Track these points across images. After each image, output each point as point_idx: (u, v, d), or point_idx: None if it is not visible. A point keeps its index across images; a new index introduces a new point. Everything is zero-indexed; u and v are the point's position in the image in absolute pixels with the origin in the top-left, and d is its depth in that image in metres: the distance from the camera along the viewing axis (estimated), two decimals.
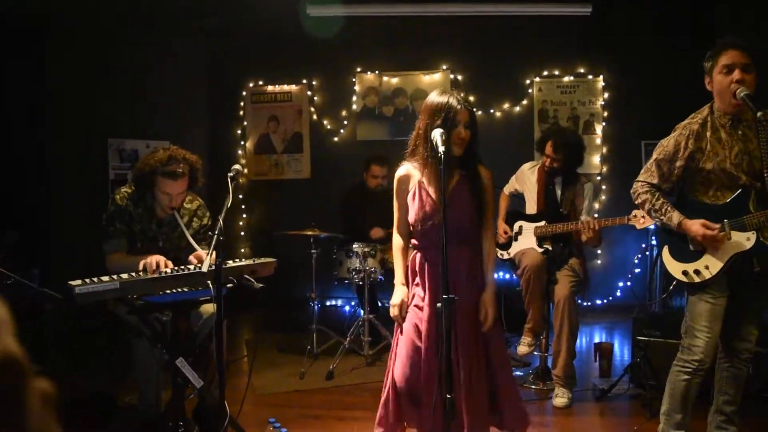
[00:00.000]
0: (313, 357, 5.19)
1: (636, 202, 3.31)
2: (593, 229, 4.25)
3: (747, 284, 3.08)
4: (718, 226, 2.97)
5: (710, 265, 3.03)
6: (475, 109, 2.92)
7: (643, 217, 3.92)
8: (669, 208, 3.12)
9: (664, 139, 3.20)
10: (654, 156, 3.21)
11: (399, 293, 2.97)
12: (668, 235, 3.21)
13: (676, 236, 3.16)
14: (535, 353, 4.73)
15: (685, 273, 3.10)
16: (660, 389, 3.36)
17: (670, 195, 3.23)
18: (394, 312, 2.96)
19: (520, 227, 4.69)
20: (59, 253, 5.52)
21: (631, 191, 3.31)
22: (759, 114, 2.80)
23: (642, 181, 3.24)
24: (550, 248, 4.48)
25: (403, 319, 2.94)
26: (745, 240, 2.96)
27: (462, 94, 2.90)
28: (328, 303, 7.44)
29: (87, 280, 2.84)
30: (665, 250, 3.24)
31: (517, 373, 4.91)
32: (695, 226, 3.01)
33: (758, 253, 2.96)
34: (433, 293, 2.86)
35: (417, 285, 2.97)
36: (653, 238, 5.56)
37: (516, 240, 4.70)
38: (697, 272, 3.06)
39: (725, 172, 3.00)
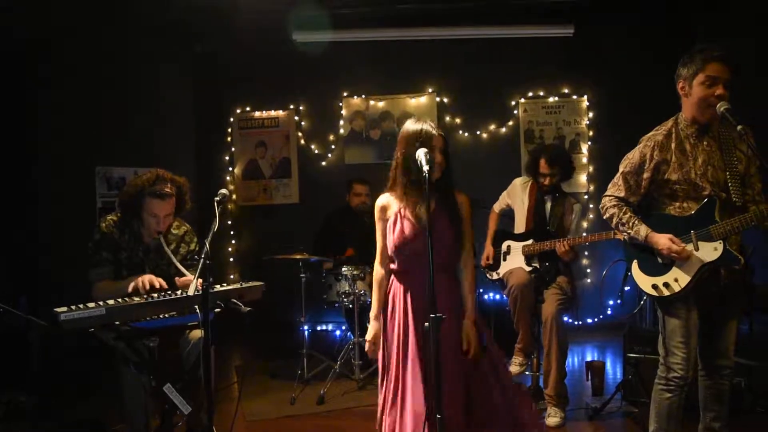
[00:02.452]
0: (303, 382, 5.14)
1: (604, 217, 3.31)
2: (572, 247, 4.32)
3: (718, 299, 3.07)
4: (684, 245, 2.99)
5: (679, 278, 3.03)
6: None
7: None
8: (636, 222, 3.13)
9: (629, 152, 3.22)
10: (621, 169, 3.23)
11: (372, 329, 3.05)
12: (637, 249, 3.20)
13: (644, 250, 3.15)
14: (527, 373, 4.71)
15: (654, 287, 3.10)
16: None
17: (638, 208, 3.23)
18: (368, 347, 3.06)
19: (508, 247, 4.69)
20: (47, 280, 5.47)
21: (600, 206, 3.33)
22: (739, 127, 2.83)
23: (610, 196, 3.26)
24: (538, 266, 4.49)
25: (376, 353, 3.02)
26: (712, 250, 2.97)
27: (433, 123, 2.98)
28: (318, 327, 7.40)
29: (73, 307, 2.82)
30: (634, 265, 3.23)
31: None
32: (662, 240, 3.02)
33: (726, 262, 2.97)
34: (412, 316, 2.91)
35: (392, 315, 3.01)
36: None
37: (504, 260, 4.70)
38: (666, 285, 3.06)
39: (690, 182, 3.02)
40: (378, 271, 3.10)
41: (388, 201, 3.04)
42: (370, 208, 3.15)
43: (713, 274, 3.01)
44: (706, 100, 2.96)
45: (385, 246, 3.06)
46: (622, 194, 3.20)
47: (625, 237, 3.24)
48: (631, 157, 3.18)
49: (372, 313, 3.09)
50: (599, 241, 4.27)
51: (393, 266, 3.05)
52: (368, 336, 3.05)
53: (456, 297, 2.98)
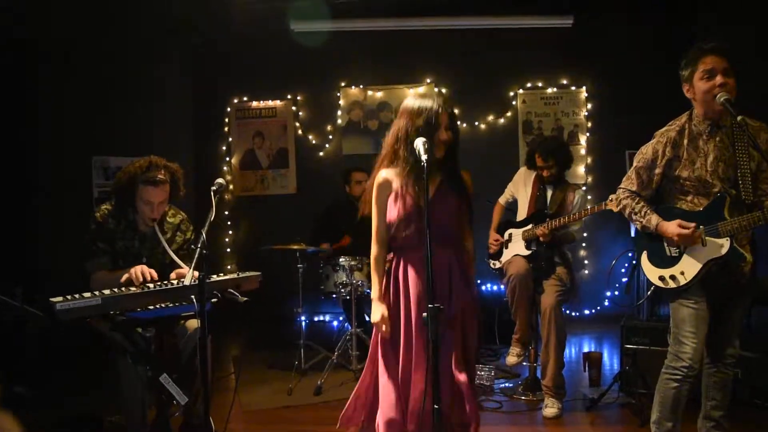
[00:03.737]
0: (301, 372, 5.14)
1: (618, 208, 3.35)
2: (552, 230, 4.34)
3: (726, 292, 3.09)
4: (692, 224, 2.99)
5: (686, 271, 3.06)
6: (455, 111, 2.94)
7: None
8: (648, 211, 3.16)
9: (643, 146, 3.23)
10: (634, 164, 3.26)
11: (378, 310, 2.90)
12: (647, 240, 3.23)
13: (654, 242, 3.18)
14: (524, 364, 4.72)
15: (661, 278, 3.14)
16: (650, 396, 3.35)
17: (650, 202, 3.25)
18: (380, 329, 2.88)
19: (510, 235, 4.70)
20: (43, 270, 5.46)
21: (614, 197, 3.37)
22: (739, 118, 2.83)
23: (623, 188, 3.30)
24: (536, 248, 4.47)
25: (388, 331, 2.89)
26: (719, 246, 2.98)
27: (441, 97, 2.92)
28: (315, 318, 7.40)
29: (68, 297, 2.80)
30: (644, 256, 3.26)
31: (507, 384, 4.90)
32: (671, 227, 3.04)
33: (732, 259, 2.98)
34: (414, 298, 2.84)
35: (393, 293, 2.94)
36: None
37: (506, 248, 4.70)
38: (673, 278, 3.09)
39: (701, 180, 3.03)
40: (375, 249, 2.97)
41: (387, 176, 2.92)
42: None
43: (722, 268, 3.02)
44: (709, 93, 2.95)
45: (382, 224, 2.95)
46: (634, 188, 3.24)
47: (637, 226, 3.25)
48: (645, 152, 3.20)
49: (374, 294, 2.94)
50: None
51: (394, 244, 2.96)
52: (375, 318, 2.88)
53: (462, 269, 2.94)
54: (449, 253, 2.90)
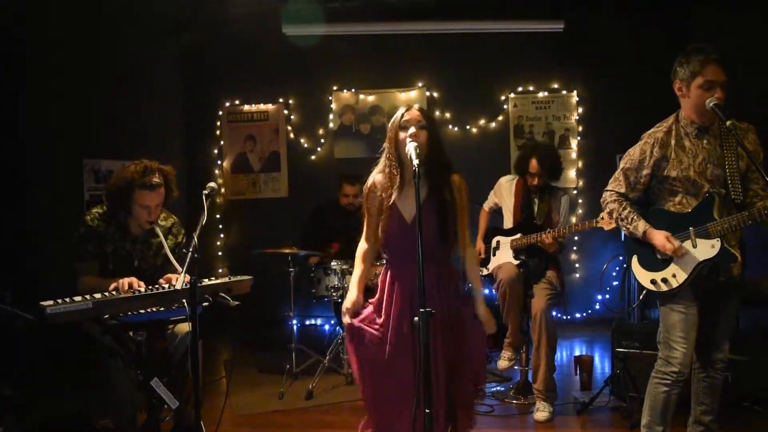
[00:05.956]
0: (292, 376, 5.13)
1: (605, 212, 3.37)
2: (558, 239, 4.34)
3: (715, 294, 3.11)
4: (678, 243, 2.99)
5: (677, 274, 3.05)
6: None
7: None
8: (635, 218, 3.15)
9: (631, 148, 3.23)
10: (621, 165, 3.25)
11: (350, 297, 2.99)
12: (636, 244, 3.23)
13: (644, 245, 3.17)
14: (516, 367, 4.72)
15: (653, 282, 3.12)
16: (640, 400, 3.36)
17: (638, 204, 3.25)
18: (345, 317, 2.97)
19: (498, 242, 4.70)
20: (33, 274, 5.42)
21: (601, 200, 3.36)
22: (728, 123, 2.84)
23: (610, 190, 3.28)
24: (525, 258, 4.48)
25: (351, 321, 2.94)
26: (710, 247, 2.98)
27: (418, 107, 2.89)
28: (307, 322, 7.39)
29: (59, 300, 2.79)
30: (634, 260, 3.25)
31: (498, 387, 4.91)
32: (659, 238, 3.04)
33: (723, 260, 2.98)
34: (400, 310, 2.85)
35: (382, 301, 2.94)
36: None
37: (494, 255, 4.70)
38: (664, 281, 3.09)
39: (689, 179, 3.04)
40: (362, 245, 3.07)
41: (374, 181, 2.95)
42: (357, 209, 3.01)
43: (712, 269, 3.03)
44: (704, 104, 2.93)
45: (370, 225, 3.00)
46: (622, 190, 3.23)
47: (624, 232, 3.26)
48: (632, 154, 3.20)
49: (352, 283, 3.04)
50: (582, 230, 4.29)
51: (385, 257, 3.01)
52: (347, 303, 2.97)
53: (450, 283, 2.90)
54: (432, 270, 2.76)
